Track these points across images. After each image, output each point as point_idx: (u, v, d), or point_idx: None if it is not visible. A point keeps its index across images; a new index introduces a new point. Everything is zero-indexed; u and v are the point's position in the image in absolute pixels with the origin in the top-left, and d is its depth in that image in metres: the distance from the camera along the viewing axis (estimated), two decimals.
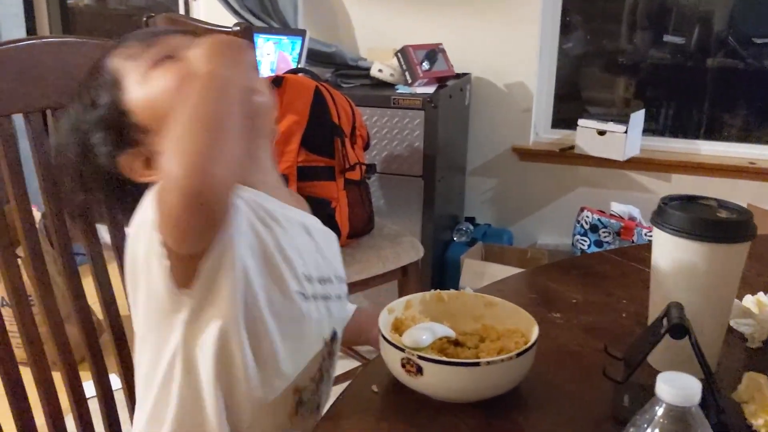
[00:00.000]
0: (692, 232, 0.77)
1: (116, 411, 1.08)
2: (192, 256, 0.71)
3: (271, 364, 0.80)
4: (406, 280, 2.18)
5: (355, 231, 2.14)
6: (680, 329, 0.72)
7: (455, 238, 2.76)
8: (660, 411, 0.57)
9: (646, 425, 0.57)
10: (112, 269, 1.05)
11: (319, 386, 0.88)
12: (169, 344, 0.77)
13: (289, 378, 0.82)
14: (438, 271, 2.66)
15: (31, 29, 3.20)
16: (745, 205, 2.65)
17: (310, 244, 0.86)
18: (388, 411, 0.75)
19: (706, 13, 2.89)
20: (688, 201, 0.83)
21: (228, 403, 0.78)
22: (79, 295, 1.05)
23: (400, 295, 2.20)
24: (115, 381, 1.07)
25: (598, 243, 2.60)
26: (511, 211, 2.93)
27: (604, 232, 2.57)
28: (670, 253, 0.80)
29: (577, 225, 2.64)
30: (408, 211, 2.53)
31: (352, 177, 2.12)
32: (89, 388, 1.04)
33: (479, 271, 2.42)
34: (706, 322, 0.79)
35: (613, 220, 2.56)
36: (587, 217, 2.60)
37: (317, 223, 0.90)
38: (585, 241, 2.61)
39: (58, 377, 1.01)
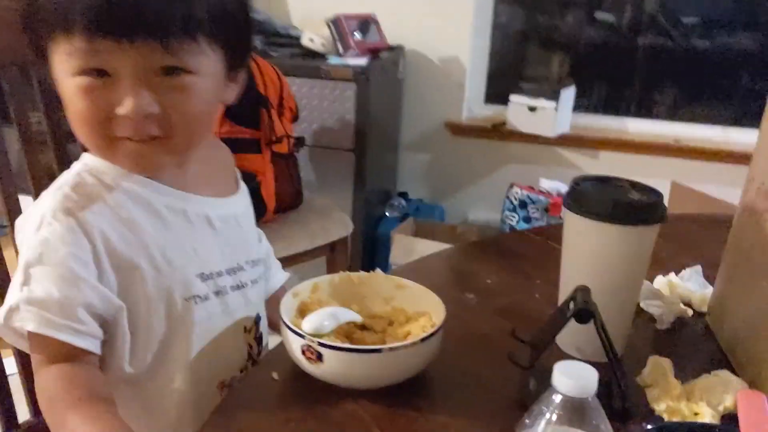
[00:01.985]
0: (602, 213, 0.75)
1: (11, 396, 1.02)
2: None
3: (176, 368, 0.78)
4: (334, 256, 2.15)
5: (283, 205, 2.08)
6: (585, 314, 0.70)
7: (387, 213, 2.73)
8: (556, 400, 0.55)
9: (542, 415, 0.56)
10: None
11: None
12: None
13: (206, 375, 0.80)
14: (369, 247, 2.64)
15: None
16: (668, 183, 2.66)
17: (213, 239, 0.81)
18: (287, 399, 0.72)
19: None
20: (601, 182, 0.82)
21: (147, 407, 0.78)
22: None
23: (329, 271, 2.17)
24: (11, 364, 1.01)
25: (527, 219, 2.62)
26: (444, 186, 2.92)
27: (532, 209, 2.59)
28: (580, 234, 0.79)
29: (507, 201, 2.65)
30: (339, 186, 2.49)
31: (279, 150, 2.06)
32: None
33: (409, 248, 2.41)
34: (615, 305, 0.78)
35: (541, 197, 2.58)
36: (516, 193, 2.61)
37: (227, 208, 0.84)
38: (514, 217, 2.63)
39: None
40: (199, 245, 0.79)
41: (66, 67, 0.67)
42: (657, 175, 2.67)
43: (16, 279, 0.70)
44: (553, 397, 0.56)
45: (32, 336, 0.69)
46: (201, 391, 0.80)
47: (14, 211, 1.00)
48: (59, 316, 0.67)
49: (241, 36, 0.75)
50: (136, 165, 0.73)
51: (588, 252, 0.78)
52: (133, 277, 0.73)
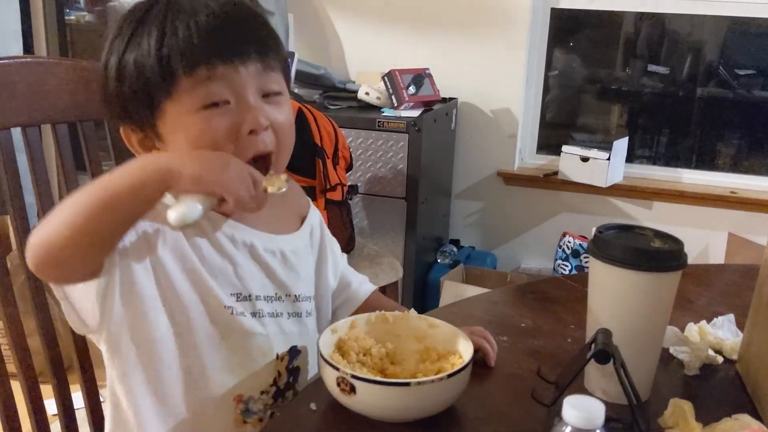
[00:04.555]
0: (623, 260, 0.79)
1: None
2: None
3: (199, 371, 0.84)
4: None
5: None
6: (604, 354, 0.74)
7: (439, 260, 2.78)
8: None
9: None
10: None
11: (276, 401, 0.90)
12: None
13: (226, 386, 0.85)
14: (420, 292, 2.68)
15: (29, 45, 3.25)
16: (725, 234, 2.62)
17: (254, 266, 0.88)
18: (323, 429, 0.77)
19: (697, 44, 2.93)
20: (624, 230, 0.85)
21: (161, 407, 0.84)
22: (43, 308, 1.07)
23: None
24: (78, 399, 1.09)
25: (580, 268, 2.62)
26: (496, 234, 2.95)
27: (585, 258, 2.59)
28: (603, 280, 0.82)
29: (559, 250, 2.66)
30: (391, 233, 2.56)
31: (333, 197, 2.15)
32: (52, 405, 1.06)
33: (458, 294, 2.44)
34: (638, 349, 0.81)
35: None
36: (569, 242, 2.63)
37: (274, 243, 0.90)
38: (566, 266, 2.63)
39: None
40: (239, 268, 0.86)
41: (190, 102, 0.78)
42: (713, 227, 2.65)
43: None
44: (563, 428, 0.60)
45: None
46: (217, 396, 0.85)
47: None
48: None
49: (288, 68, 0.89)
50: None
51: (611, 297, 0.82)
52: (186, 257, 0.81)
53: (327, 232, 1.03)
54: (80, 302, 0.78)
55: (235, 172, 0.73)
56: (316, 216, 1.01)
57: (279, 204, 0.94)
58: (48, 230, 0.69)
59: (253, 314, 0.86)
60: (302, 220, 0.98)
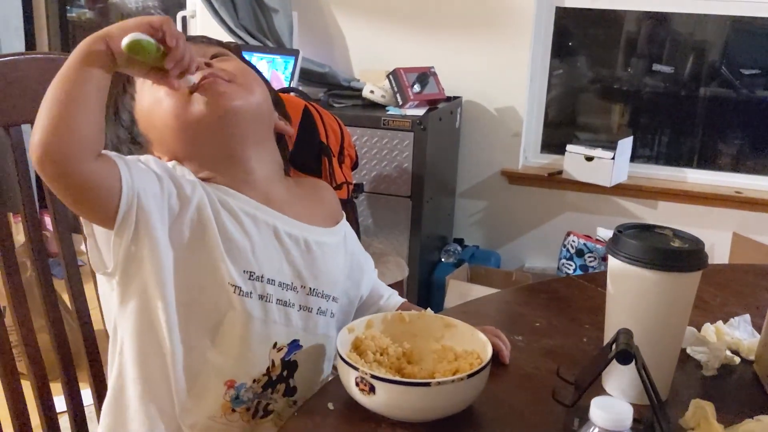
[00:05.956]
0: (644, 260, 0.79)
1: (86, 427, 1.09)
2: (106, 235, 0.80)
3: (196, 345, 0.83)
4: None
5: None
6: (626, 355, 0.73)
7: (443, 259, 2.77)
8: None
9: None
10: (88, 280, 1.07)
11: (265, 391, 0.88)
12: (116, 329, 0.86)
13: (219, 366, 0.84)
14: (425, 291, 2.68)
15: (31, 42, 3.24)
16: (730, 234, 2.63)
17: (273, 248, 0.87)
18: (341, 429, 0.77)
19: (700, 43, 2.93)
20: (644, 230, 0.85)
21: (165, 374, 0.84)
22: (53, 306, 1.07)
23: None
24: (87, 396, 1.08)
25: (584, 267, 2.61)
26: (500, 233, 2.95)
27: (589, 257, 2.59)
28: (623, 280, 0.82)
29: (564, 249, 2.66)
30: (396, 231, 2.55)
31: (338, 196, 2.14)
32: (61, 402, 1.05)
33: (464, 293, 2.43)
34: (658, 349, 0.81)
35: (598, 245, 2.58)
36: (573, 241, 2.62)
37: (300, 230, 0.90)
38: (571, 265, 2.63)
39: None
40: (257, 247, 0.85)
41: (140, 81, 0.89)
42: (718, 227, 2.65)
43: None
44: (591, 430, 0.59)
45: None
46: (210, 376, 0.84)
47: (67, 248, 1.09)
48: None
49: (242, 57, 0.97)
50: (212, 99, 0.85)
51: (631, 297, 0.81)
52: (207, 225, 0.82)
53: (361, 246, 1.05)
54: (102, 240, 0.81)
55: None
56: (349, 227, 1.02)
57: (313, 199, 0.98)
58: (37, 126, 0.73)
59: (261, 297, 0.85)
60: (336, 223, 0.99)
